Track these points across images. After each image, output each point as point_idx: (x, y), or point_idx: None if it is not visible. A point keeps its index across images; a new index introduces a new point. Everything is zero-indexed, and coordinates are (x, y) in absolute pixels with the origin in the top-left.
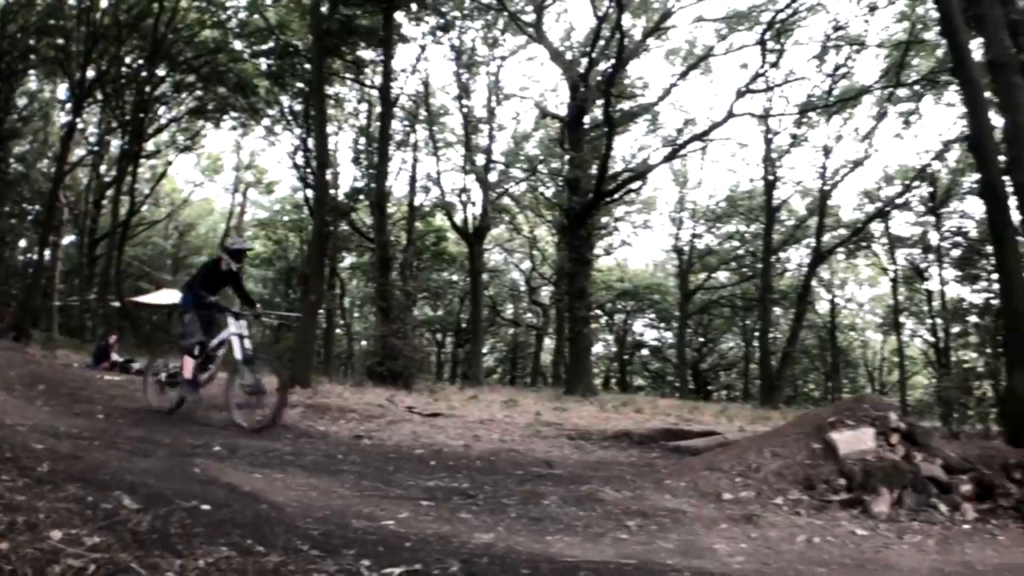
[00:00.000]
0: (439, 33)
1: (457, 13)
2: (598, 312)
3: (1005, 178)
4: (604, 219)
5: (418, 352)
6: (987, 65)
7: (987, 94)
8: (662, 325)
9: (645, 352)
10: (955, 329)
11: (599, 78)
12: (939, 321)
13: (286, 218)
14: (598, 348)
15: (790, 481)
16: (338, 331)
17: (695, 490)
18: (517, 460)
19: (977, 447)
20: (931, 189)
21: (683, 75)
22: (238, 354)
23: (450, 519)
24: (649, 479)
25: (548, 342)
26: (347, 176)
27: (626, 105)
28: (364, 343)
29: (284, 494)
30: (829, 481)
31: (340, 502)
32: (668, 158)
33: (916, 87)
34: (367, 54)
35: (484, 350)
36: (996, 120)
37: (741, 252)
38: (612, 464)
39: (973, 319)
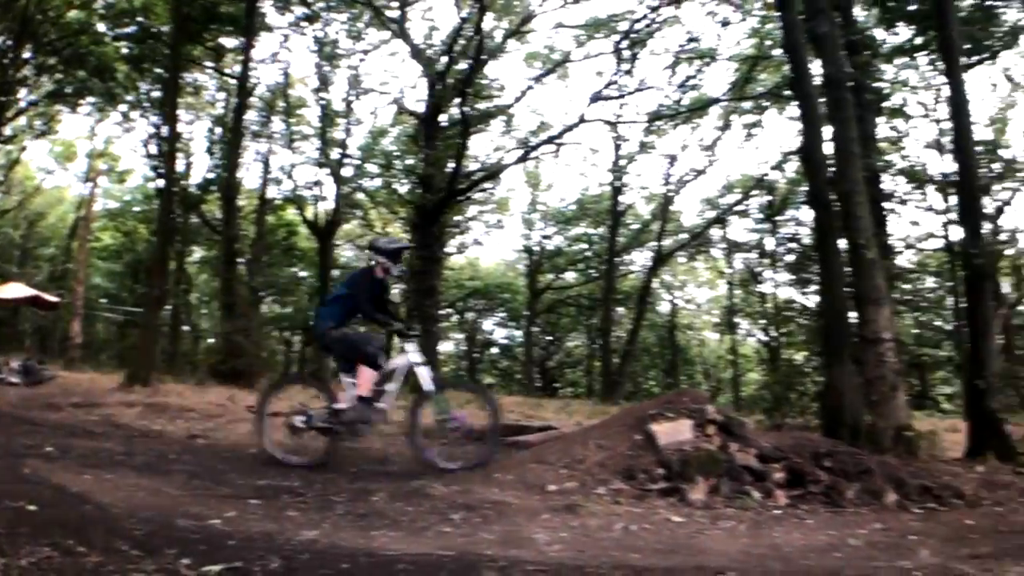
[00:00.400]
0: (304, 24)
1: (323, 4)
2: (449, 310)
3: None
4: (457, 217)
5: (262, 350)
6: (823, 80)
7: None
8: (512, 324)
9: (495, 350)
10: (785, 329)
11: (458, 77)
12: (771, 322)
13: (137, 209)
14: (448, 346)
15: (612, 472)
16: (186, 328)
17: (522, 482)
18: (352, 457)
19: (792, 437)
20: (769, 198)
21: (539, 78)
22: (428, 385)
23: (277, 517)
24: (479, 473)
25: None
26: (201, 167)
27: (483, 105)
28: (212, 340)
29: (112, 495)
30: (649, 471)
31: (168, 502)
32: (521, 159)
33: (760, 101)
34: (229, 41)
35: None
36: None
37: (588, 254)
38: None
39: (801, 320)
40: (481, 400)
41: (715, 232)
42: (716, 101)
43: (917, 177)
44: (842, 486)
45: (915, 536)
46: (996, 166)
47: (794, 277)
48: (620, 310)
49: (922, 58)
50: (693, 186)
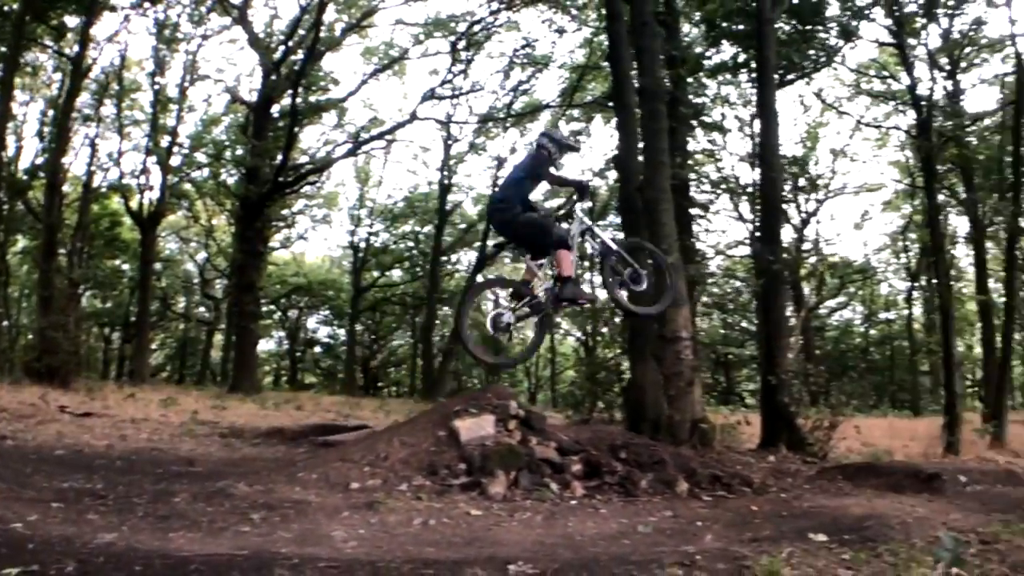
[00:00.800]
0: (147, 4)
1: None
2: (272, 307)
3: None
4: (283, 211)
5: (79, 347)
6: (639, 92)
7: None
8: (336, 322)
9: (318, 349)
10: (602, 328)
11: (293, 67)
12: (588, 321)
13: None
14: (271, 345)
15: (415, 468)
16: (5, 323)
17: (326, 481)
18: (159, 459)
19: (592, 431)
20: (590, 203)
21: (375, 74)
22: (610, 243)
23: (77, 520)
24: (284, 473)
25: (220, 338)
26: (32, 151)
27: (317, 98)
28: (31, 336)
29: None
30: (451, 466)
31: None
32: (350, 153)
33: (588, 108)
34: (72, 20)
35: (153, 346)
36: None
37: (415, 252)
38: (255, 460)
39: (616, 319)
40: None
41: None
42: (546, 107)
43: (728, 188)
44: (636, 476)
45: (702, 522)
46: (803, 180)
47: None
48: (446, 309)
49: (743, 75)
50: None
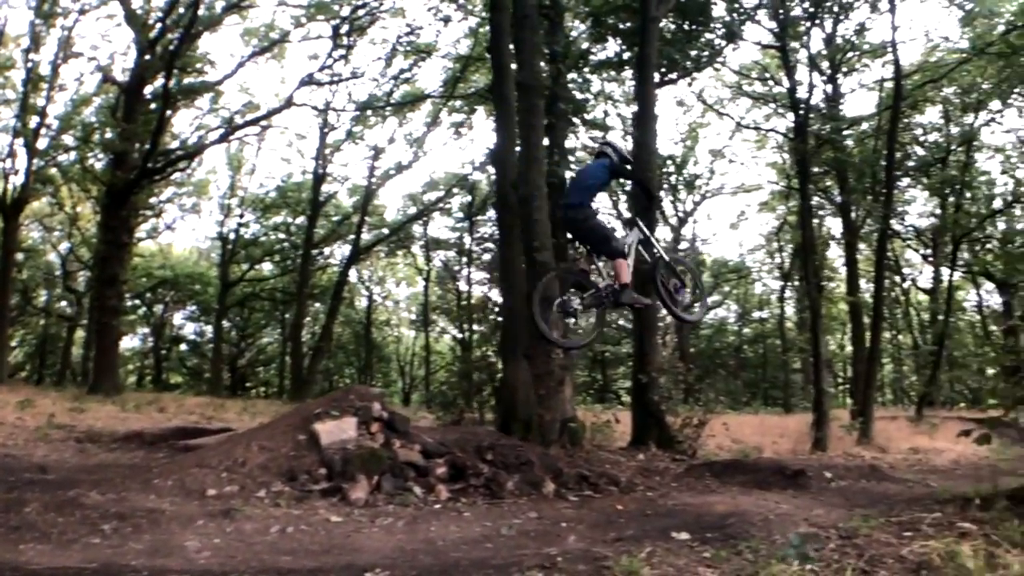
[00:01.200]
0: None
1: None
2: (136, 302)
3: None
4: (151, 199)
5: None
6: (517, 86)
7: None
8: (202, 318)
9: (184, 347)
10: (477, 327)
11: (169, 47)
12: (465, 319)
13: None
14: (135, 342)
15: (274, 473)
16: None
17: (181, 488)
18: (12, 467)
19: (458, 432)
20: (470, 197)
21: (253, 56)
22: (662, 254)
23: None
24: (139, 480)
25: (82, 335)
26: None
27: (191, 80)
28: None
29: None
30: (311, 471)
31: None
32: (222, 139)
33: (470, 100)
34: None
35: (13, 343)
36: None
37: (286, 244)
38: (110, 467)
39: (493, 318)
40: (690, 275)
41: (416, 228)
42: (427, 97)
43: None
44: (503, 478)
45: (567, 523)
46: (681, 179)
47: (488, 275)
48: (317, 305)
49: (629, 72)
50: (397, 180)
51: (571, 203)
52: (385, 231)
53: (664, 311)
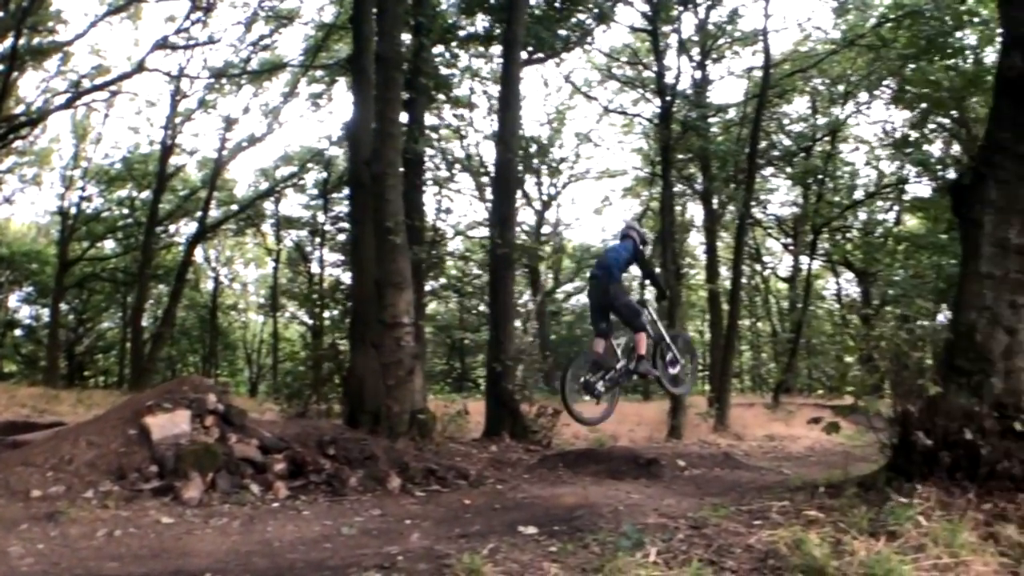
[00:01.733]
0: None
1: None
2: None
3: None
4: None
5: None
6: (376, 57)
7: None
8: (39, 301)
9: (19, 332)
10: (329, 313)
11: (22, 3)
12: (316, 304)
13: None
14: None
15: (103, 472)
16: None
17: (6, 489)
18: None
19: (300, 426)
20: (325, 174)
21: (108, 15)
22: (667, 336)
23: None
24: None
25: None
26: None
27: (40, 40)
28: None
29: None
30: (142, 469)
31: None
32: (69, 103)
33: (330, 71)
34: None
35: None
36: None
37: (130, 221)
38: None
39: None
40: (686, 351)
41: (267, 206)
42: (286, 65)
43: (468, 167)
44: (345, 474)
45: (412, 520)
46: (546, 162)
47: (343, 258)
48: (161, 287)
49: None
50: (249, 154)
51: (607, 274)
52: (234, 208)
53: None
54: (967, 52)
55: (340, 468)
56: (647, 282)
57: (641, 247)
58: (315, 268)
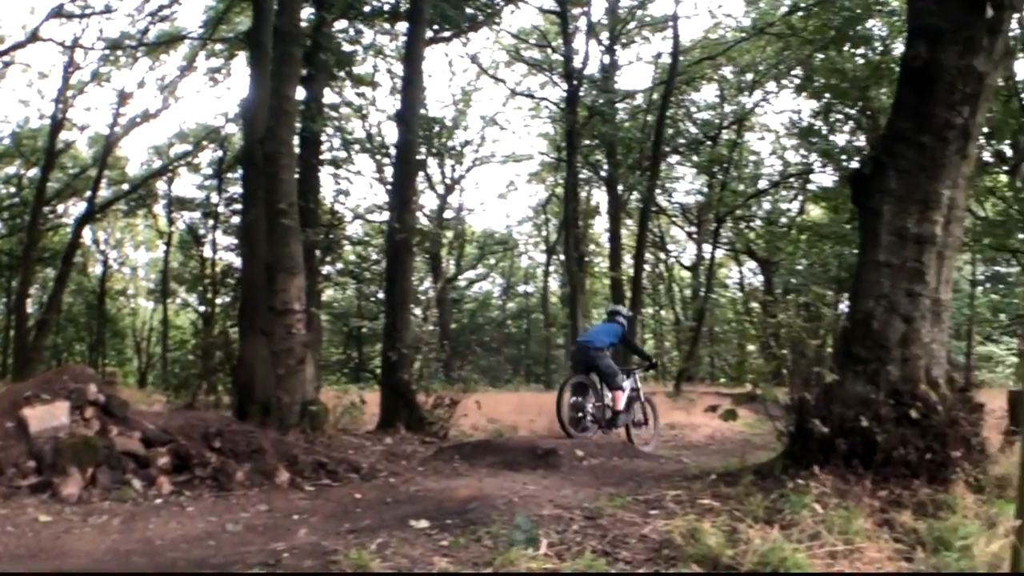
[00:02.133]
0: None
1: None
2: None
3: None
4: None
5: None
6: (275, 32)
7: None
8: None
9: None
10: (222, 299)
11: None
12: (209, 290)
13: None
14: None
15: None
16: None
17: None
18: None
19: (185, 417)
20: (220, 153)
21: None
22: (642, 399)
23: None
24: None
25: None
26: None
27: None
28: None
29: None
30: (19, 464)
31: None
32: None
33: (231, 45)
34: None
35: None
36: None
37: (16, 200)
38: None
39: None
40: (650, 412)
41: (160, 186)
42: (184, 37)
43: (368, 148)
44: (232, 468)
45: (300, 515)
46: (449, 144)
47: (236, 242)
48: (48, 271)
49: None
50: (143, 130)
51: (594, 346)
52: (126, 187)
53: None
54: (876, 43)
55: (226, 462)
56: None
57: (627, 327)
58: (208, 252)
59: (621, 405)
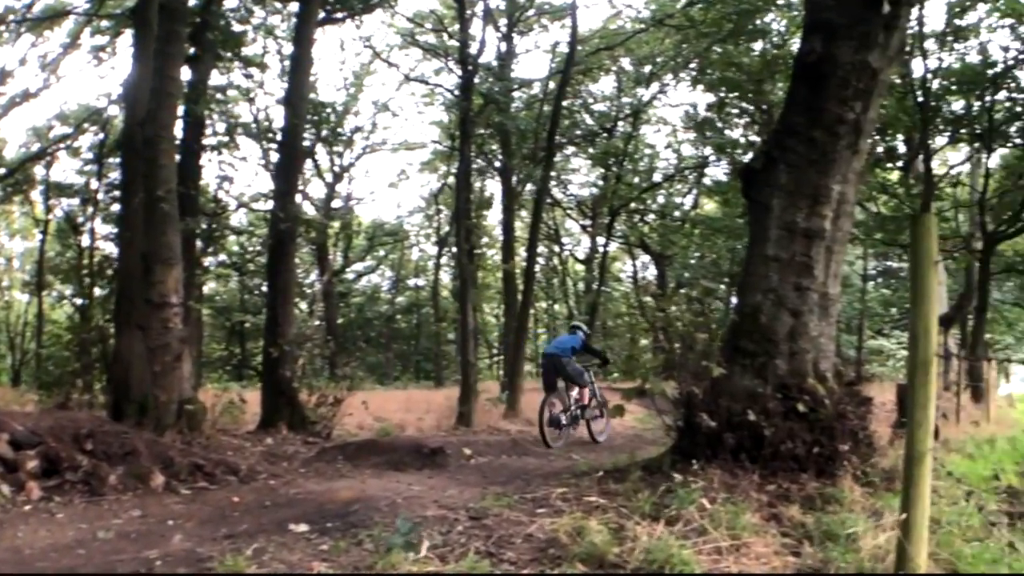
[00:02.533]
0: None
1: None
2: None
3: None
4: None
5: None
6: (160, 8)
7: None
8: None
9: None
10: (101, 291)
11: None
12: (87, 282)
13: None
14: None
15: None
16: None
17: None
18: None
19: (54, 418)
20: (102, 135)
21: None
22: (600, 397)
23: None
24: None
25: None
26: None
27: None
28: None
29: None
30: None
31: None
32: None
33: (118, 21)
34: None
35: None
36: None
37: None
38: None
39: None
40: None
41: (38, 170)
42: (69, 13)
43: (253, 132)
44: (104, 471)
45: (175, 520)
46: (339, 131)
47: (116, 230)
48: None
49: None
50: (21, 111)
51: (559, 354)
52: (2, 171)
53: None
54: (774, 37)
55: (99, 465)
56: (594, 359)
57: (586, 338)
58: (86, 241)
59: (587, 399)
